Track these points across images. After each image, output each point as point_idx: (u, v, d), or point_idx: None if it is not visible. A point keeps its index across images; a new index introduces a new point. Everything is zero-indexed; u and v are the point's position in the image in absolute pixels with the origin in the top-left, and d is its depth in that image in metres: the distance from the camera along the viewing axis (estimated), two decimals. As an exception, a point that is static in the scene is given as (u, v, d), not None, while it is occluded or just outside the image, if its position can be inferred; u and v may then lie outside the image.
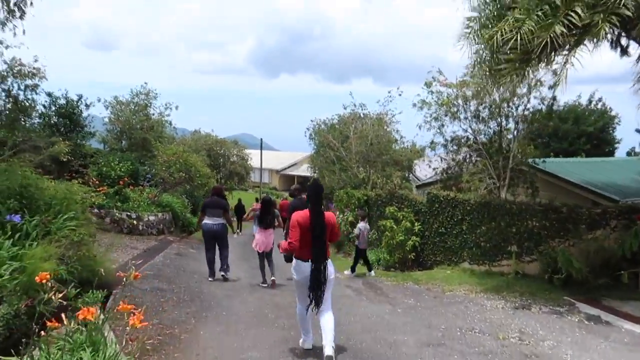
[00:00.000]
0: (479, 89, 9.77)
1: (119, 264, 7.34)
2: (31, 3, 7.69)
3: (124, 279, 3.44)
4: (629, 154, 26.66)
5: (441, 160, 12.44)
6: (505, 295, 7.32)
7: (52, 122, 14.29)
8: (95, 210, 10.88)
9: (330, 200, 16.96)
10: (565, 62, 6.32)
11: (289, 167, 50.97)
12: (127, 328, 2.81)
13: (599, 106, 26.16)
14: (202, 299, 6.69)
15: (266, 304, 6.57)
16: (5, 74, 10.27)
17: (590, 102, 26.16)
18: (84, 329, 3.04)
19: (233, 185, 31.46)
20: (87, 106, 15.20)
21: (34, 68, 10.87)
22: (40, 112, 13.74)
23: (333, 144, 20.30)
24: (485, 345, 4.95)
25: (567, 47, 6.49)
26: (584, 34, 6.04)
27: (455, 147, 11.72)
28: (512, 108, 10.53)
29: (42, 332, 2.80)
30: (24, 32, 8.01)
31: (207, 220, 8.36)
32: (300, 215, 4.35)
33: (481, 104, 10.74)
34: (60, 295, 3.04)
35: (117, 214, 11.74)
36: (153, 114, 20.59)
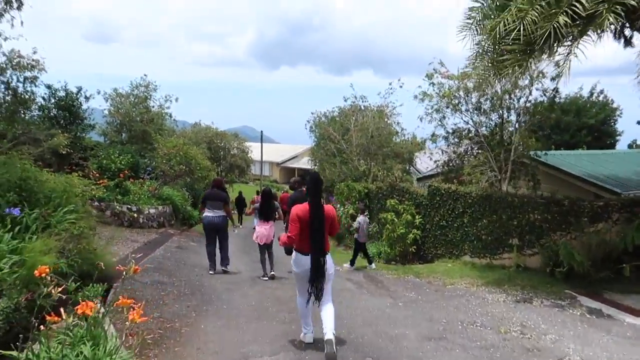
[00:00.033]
0: (481, 80, 9.69)
1: (120, 257, 7.32)
2: (29, -6, 7.64)
3: (124, 272, 3.41)
4: (630, 146, 26.60)
5: (442, 152, 12.41)
6: (507, 288, 7.31)
7: (51, 114, 14.20)
8: (96, 203, 10.86)
9: (331, 193, 16.94)
10: (568, 53, 6.25)
11: (289, 159, 50.93)
12: (127, 323, 2.79)
13: (600, 98, 26.06)
14: (202, 292, 6.68)
15: (267, 298, 6.56)
16: (4, 66, 10.18)
17: (591, 94, 26.08)
18: (84, 322, 3.02)
19: (234, 178, 31.41)
20: (87, 98, 15.11)
21: (33, 60, 10.77)
22: (39, 104, 13.65)
23: (334, 136, 20.24)
24: (486, 339, 4.94)
25: (571, 38, 6.42)
26: (588, 24, 5.96)
27: (456, 140, 11.69)
28: (513, 100, 10.48)
29: (42, 327, 2.78)
30: (22, 23, 7.94)
31: (207, 213, 8.34)
32: (300, 209, 4.35)
33: (483, 96, 10.67)
34: (60, 289, 3.02)
35: (117, 207, 11.71)
36: (153, 106, 20.53)
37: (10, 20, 7.84)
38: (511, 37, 6.17)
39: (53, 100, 14.27)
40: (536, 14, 5.97)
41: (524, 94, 10.30)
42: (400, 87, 18.76)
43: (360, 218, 9.87)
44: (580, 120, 24.74)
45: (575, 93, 25.60)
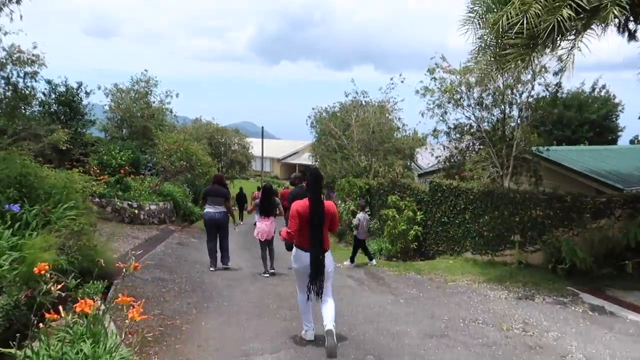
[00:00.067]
0: (483, 75, 9.63)
1: (120, 254, 7.30)
2: (28, -12, 7.58)
3: (124, 269, 3.39)
4: (632, 142, 26.51)
5: (444, 148, 12.34)
6: (509, 285, 7.28)
7: (52, 110, 14.16)
8: (96, 199, 10.85)
9: (332, 189, 16.89)
10: (571, 48, 6.18)
11: (290, 155, 50.92)
12: (127, 321, 2.77)
13: (602, 93, 25.94)
14: (203, 289, 6.67)
15: (268, 294, 6.55)
16: (4, 61, 10.13)
17: (593, 89, 25.93)
18: (84, 320, 3.00)
19: (234, 174, 31.40)
20: (87, 94, 15.05)
21: (33, 55, 10.71)
22: (40, 100, 13.60)
23: (334, 132, 20.15)
24: (488, 337, 4.92)
25: (574, 31, 6.34)
26: (592, 17, 5.89)
27: (458, 135, 11.62)
28: (516, 95, 10.39)
29: (41, 324, 2.76)
30: (21, 17, 7.88)
31: (208, 209, 8.32)
32: (300, 205, 4.34)
33: (485, 91, 10.60)
34: (60, 285, 3.00)
35: (118, 203, 11.70)
36: (153, 102, 20.44)
37: (10, 14, 7.77)
38: (514, 30, 6.11)
39: (53, 96, 14.22)
40: (540, 7, 5.89)
41: (527, 89, 10.22)
42: (402, 82, 18.64)
43: (360, 215, 9.83)
44: (582, 115, 24.63)
45: (577, 88, 25.47)
